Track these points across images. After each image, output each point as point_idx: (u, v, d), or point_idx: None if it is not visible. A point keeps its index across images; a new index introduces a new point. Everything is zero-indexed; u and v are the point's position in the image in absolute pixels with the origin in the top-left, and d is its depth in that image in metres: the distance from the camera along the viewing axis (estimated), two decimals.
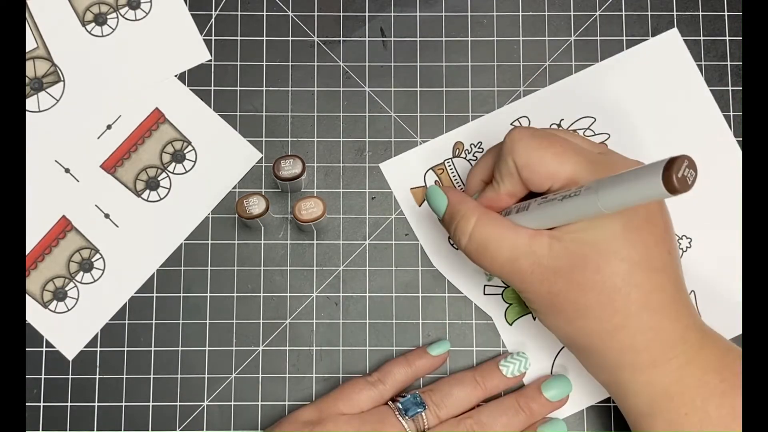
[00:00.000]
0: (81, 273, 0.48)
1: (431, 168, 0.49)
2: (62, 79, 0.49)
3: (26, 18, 0.49)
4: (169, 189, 0.49)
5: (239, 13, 0.50)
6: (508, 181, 0.41)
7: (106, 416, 0.47)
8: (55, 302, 0.48)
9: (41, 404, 0.47)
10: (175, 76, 0.49)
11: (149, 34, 0.49)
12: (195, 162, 0.49)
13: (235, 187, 0.49)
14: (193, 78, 0.49)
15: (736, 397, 0.38)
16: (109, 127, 0.49)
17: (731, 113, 0.49)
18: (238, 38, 0.50)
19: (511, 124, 0.49)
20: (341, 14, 0.50)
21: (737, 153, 0.49)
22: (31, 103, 0.49)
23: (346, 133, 0.49)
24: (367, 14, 0.50)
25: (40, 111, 0.49)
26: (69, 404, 0.47)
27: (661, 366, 0.38)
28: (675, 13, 0.50)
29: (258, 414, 0.47)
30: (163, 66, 0.49)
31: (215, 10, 0.50)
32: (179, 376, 0.47)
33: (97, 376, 0.47)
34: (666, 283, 0.38)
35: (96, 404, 0.47)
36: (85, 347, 0.47)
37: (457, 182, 0.49)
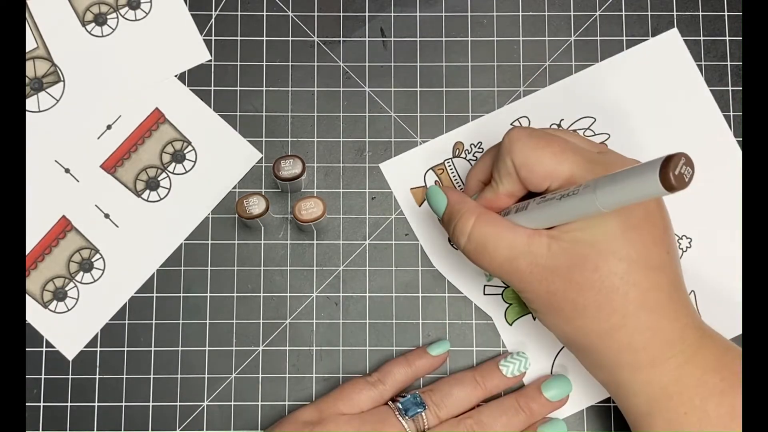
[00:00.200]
0: (81, 273, 0.48)
1: (431, 168, 0.49)
2: (62, 79, 0.49)
3: (26, 18, 0.49)
4: (169, 189, 0.49)
5: (239, 13, 0.50)
6: (507, 181, 0.41)
7: (106, 416, 0.47)
8: (55, 302, 0.48)
9: (41, 404, 0.47)
10: (175, 76, 0.49)
11: (149, 34, 0.49)
12: (195, 162, 0.49)
13: (235, 187, 0.49)
14: (193, 78, 0.49)
15: (735, 396, 0.38)
16: (109, 127, 0.49)
17: (731, 113, 0.49)
18: (238, 38, 0.50)
19: (511, 124, 0.49)
20: (341, 14, 0.50)
21: (737, 153, 0.49)
22: (31, 103, 0.49)
23: (346, 133, 0.49)
24: (367, 14, 0.50)
25: (40, 111, 0.49)
26: (69, 404, 0.47)
27: (660, 365, 0.38)
28: (675, 13, 0.50)
29: (258, 414, 0.47)
30: (163, 66, 0.49)
31: (215, 10, 0.50)
32: (179, 376, 0.47)
33: (97, 376, 0.47)
34: (664, 282, 0.38)
35: (96, 404, 0.47)
36: (85, 347, 0.47)
37: (457, 182, 0.49)
